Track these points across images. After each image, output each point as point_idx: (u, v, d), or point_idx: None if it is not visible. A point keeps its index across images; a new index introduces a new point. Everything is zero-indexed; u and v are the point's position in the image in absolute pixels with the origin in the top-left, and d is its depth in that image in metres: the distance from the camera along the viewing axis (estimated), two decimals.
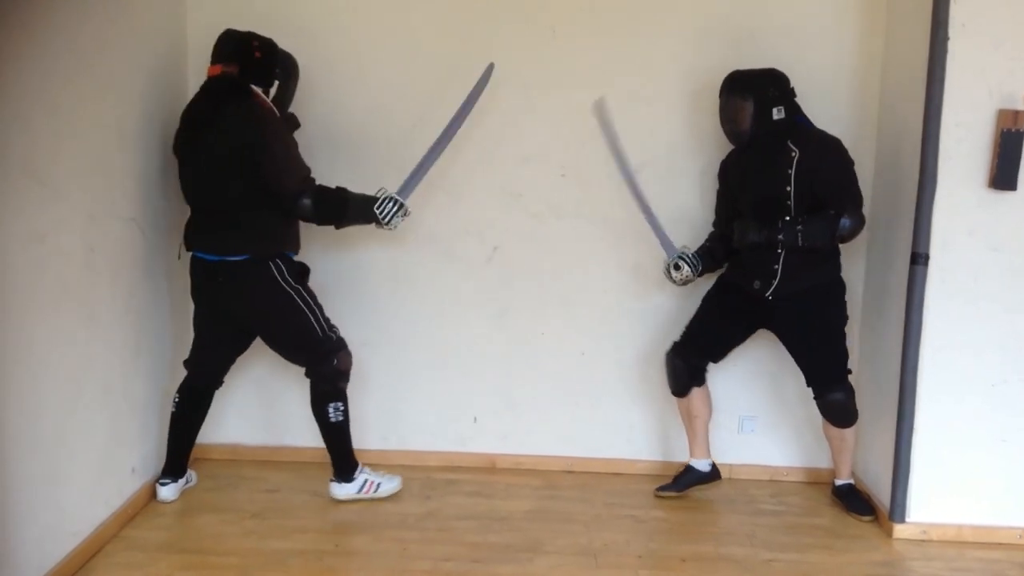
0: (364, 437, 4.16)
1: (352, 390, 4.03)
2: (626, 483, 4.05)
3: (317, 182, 3.50)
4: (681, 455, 4.11)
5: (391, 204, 3.52)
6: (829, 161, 3.52)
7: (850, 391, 3.66)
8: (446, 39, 3.97)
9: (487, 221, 4.04)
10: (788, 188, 3.51)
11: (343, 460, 3.71)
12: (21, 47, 2.69)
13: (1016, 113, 3.32)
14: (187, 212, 3.89)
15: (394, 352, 4.12)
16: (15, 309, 2.69)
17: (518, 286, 4.09)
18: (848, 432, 3.73)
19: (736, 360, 4.06)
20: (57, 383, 2.95)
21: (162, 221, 3.71)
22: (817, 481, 4.09)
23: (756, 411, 4.12)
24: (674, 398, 3.90)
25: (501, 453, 4.16)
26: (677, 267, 3.74)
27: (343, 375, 3.64)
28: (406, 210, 3.57)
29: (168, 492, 3.64)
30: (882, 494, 3.70)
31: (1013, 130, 3.32)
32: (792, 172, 3.50)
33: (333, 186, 3.52)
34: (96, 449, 3.25)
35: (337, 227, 3.59)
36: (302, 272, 3.58)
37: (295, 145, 3.52)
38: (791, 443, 4.14)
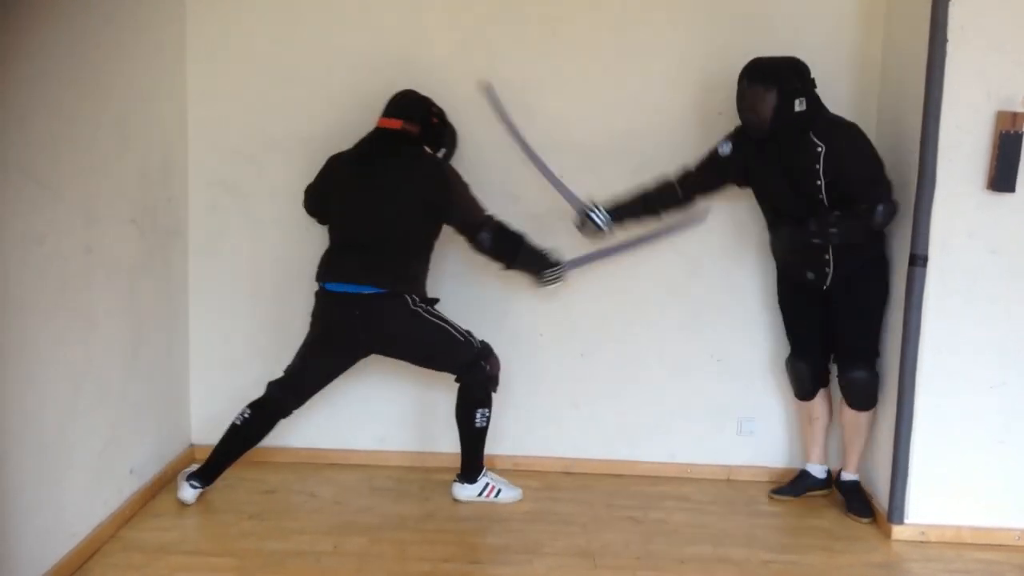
0: (362, 439, 4.17)
1: (350, 392, 4.05)
2: (625, 484, 4.05)
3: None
4: (682, 455, 4.12)
5: (559, 271, 3.73)
6: (856, 152, 3.48)
7: (874, 373, 3.65)
8: (446, 39, 3.97)
9: None
10: (819, 183, 3.49)
11: (474, 462, 3.79)
12: (20, 48, 2.68)
13: (1015, 115, 3.32)
14: (180, 215, 3.91)
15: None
16: (14, 310, 2.68)
17: (516, 287, 4.08)
18: (863, 417, 3.71)
19: (735, 361, 4.06)
20: (56, 384, 2.95)
21: (161, 222, 3.71)
22: None
23: (755, 412, 4.12)
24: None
25: (499, 454, 4.15)
26: (583, 223, 3.78)
27: (493, 380, 3.73)
28: (565, 279, 3.77)
29: (194, 495, 3.62)
30: (881, 495, 3.70)
31: (1012, 132, 3.32)
32: (820, 167, 3.47)
33: (512, 228, 3.70)
34: (94, 450, 3.24)
35: (507, 267, 3.74)
36: (431, 302, 3.69)
37: (470, 186, 3.68)
38: (790, 444, 4.14)
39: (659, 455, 4.16)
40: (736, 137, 3.67)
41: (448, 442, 4.04)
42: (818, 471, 3.93)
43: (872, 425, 3.76)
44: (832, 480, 3.94)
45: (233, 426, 3.61)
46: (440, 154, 3.76)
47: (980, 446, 3.52)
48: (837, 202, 3.50)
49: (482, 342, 3.71)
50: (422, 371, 3.93)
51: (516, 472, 4.12)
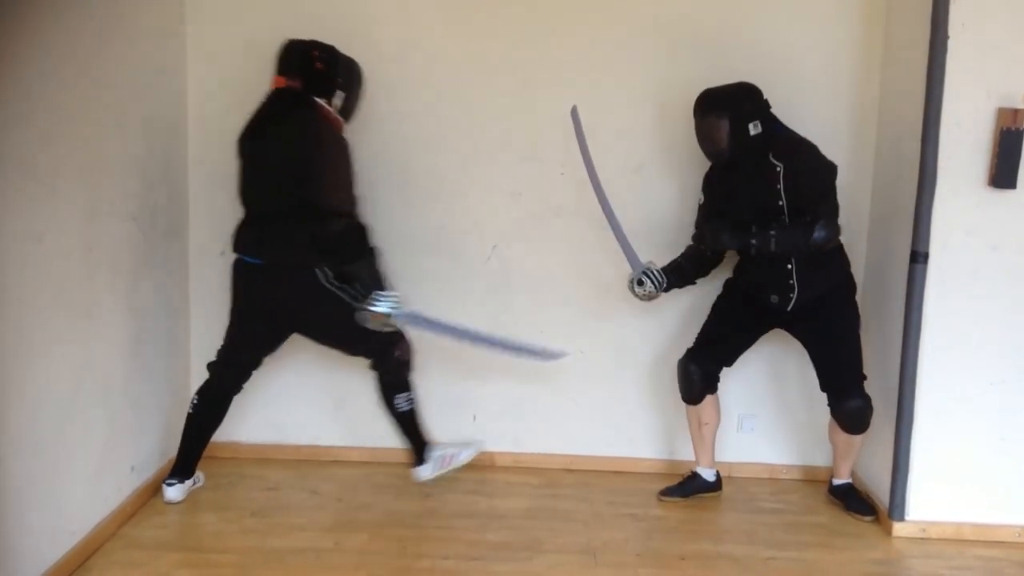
0: (363, 436, 4.17)
1: (350, 388, 4.05)
2: (626, 482, 4.05)
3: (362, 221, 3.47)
4: (682, 453, 4.12)
5: (384, 305, 3.41)
6: (808, 169, 3.49)
7: (867, 397, 3.61)
8: (446, 38, 3.97)
9: (486, 220, 4.04)
10: (781, 203, 3.50)
11: (417, 444, 3.78)
12: (20, 46, 2.68)
13: (1015, 112, 3.32)
14: (180, 213, 3.91)
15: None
16: (13, 308, 2.68)
17: (517, 284, 4.09)
18: (858, 438, 3.70)
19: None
20: (56, 382, 2.95)
21: (161, 220, 3.71)
22: (816, 479, 4.09)
23: (755, 410, 4.12)
24: (683, 404, 3.86)
25: (500, 451, 4.16)
26: (640, 283, 3.72)
27: (406, 365, 3.69)
28: (393, 321, 3.46)
29: (175, 492, 3.63)
30: (881, 492, 3.70)
31: (1013, 129, 3.32)
32: (781, 187, 3.49)
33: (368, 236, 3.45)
34: (95, 447, 3.25)
35: (335, 268, 3.45)
36: (341, 278, 3.49)
37: (348, 167, 3.43)
38: (790, 441, 4.15)
39: (659, 452, 4.17)
40: (709, 172, 3.72)
41: (447, 439, 4.06)
42: (708, 474, 3.90)
43: (863, 439, 3.74)
44: (721, 483, 3.92)
45: (188, 416, 3.64)
46: (338, 99, 3.51)
47: (980, 443, 3.53)
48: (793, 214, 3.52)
49: (394, 328, 3.56)
50: (423, 372, 3.95)
51: (517, 469, 4.12)
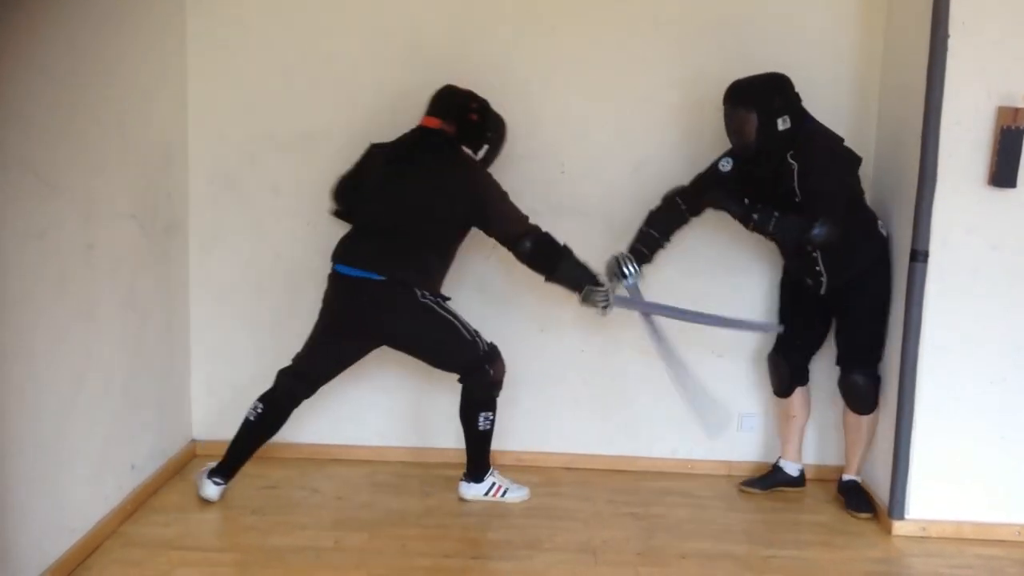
0: (364, 435, 4.17)
1: (352, 388, 4.05)
2: (626, 480, 4.05)
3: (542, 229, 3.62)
4: (683, 452, 4.12)
5: (600, 297, 3.61)
6: (815, 168, 3.47)
7: (872, 376, 3.66)
8: (446, 37, 3.97)
9: None
10: (797, 200, 3.50)
11: (480, 463, 3.76)
12: (21, 44, 2.68)
13: (1016, 110, 3.32)
14: (181, 211, 3.91)
15: (394, 349, 4.11)
16: (14, 306, 2.68)
17: (517, 283, 4.08)
18: (863, 421, 3.71)
19: (735, 357, 4.07)
20: (56, 380, 2.95)
21: (161, 218, 3.71)
22: (817, 478, 4.08)
23: (756, 408, 4.12)
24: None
25: (501, 450, 4.14)
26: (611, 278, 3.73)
27: (497, 384, 3.68)
28: (608, 310, 3.64)
29: (217, 492, 3.62)
30: (881, 491, 3.70)
31: (1013, 127, 3.32)
32: (796, 186, 3.49)
33: (560, 241, 3.63)
34: (95, 446, 3.24)
35: (547, 278, 3.63)
36: (443, 299, 3.61)
37: (507, 197, 3.59)
38: None
39: (660, 451, 4.16)
40: (733, 154, 3.70)
41: (449, 438, 4.07)
42: (791, 468, 3.94)
43: (874, 429, 3.76)
44: (804, 479, 3.95)
45: (247, 421, 3.60)
46: (483, 151, 3.66)
47: (980, 441, 3.53)
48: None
49: (490, 344, 3.66)
50: (424, 367, 3.94)
51: (518, 467, 4.12)
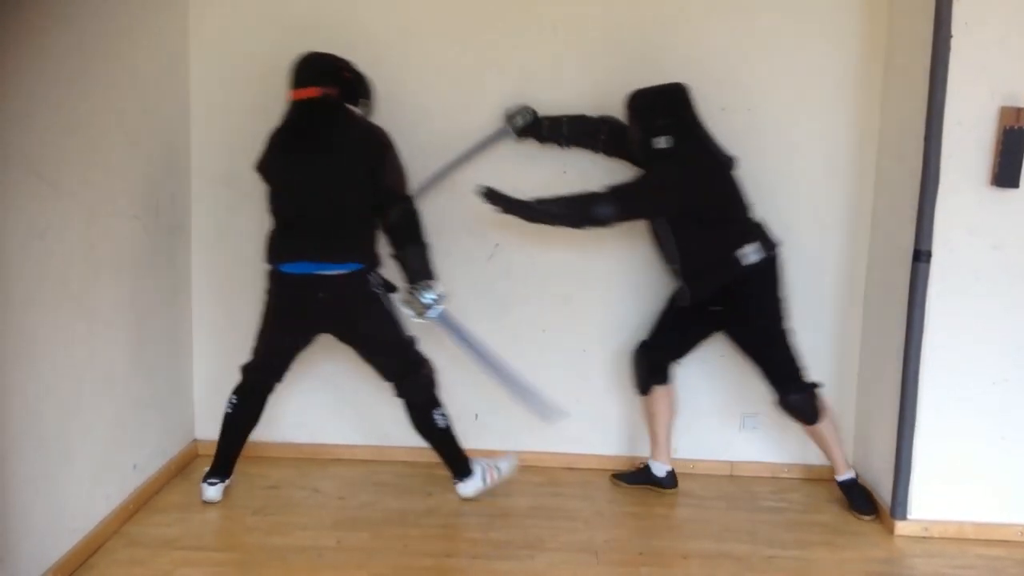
0: (365, 434, 4.17)
1: (353, 387, 4.06)
2: None
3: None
4: (685, 452, 4.12)
5: (427, 300, 3.52)
6: (649, 173, 3.63)
7: (806, 390, 3.65)
8: (447, 36, 3.96)
9: (488, 218, 4.02)
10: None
11: (458, 460, 3.74)
12: (24, 44, 2.68)
13: (1019, 111, 3.31)
14: (183, 211, 3.91)
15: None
16: (16, 306, 2.69)
17: (519, 283, 4.09)
18: (820, 427, 3.71)
19: (738, 357, 4.05)
20: (58, 380, 2.95)
21: (163, 218, 3.71)
22: (819, 478, 4.08)
23: (758, 408, 4.11)
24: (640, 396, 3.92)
25: (502, 449, 4.15)
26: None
27: (433, 383, 3.67)
28: (431, 316, 3.55)
29: (215, 492, 3.64)
30: (883, 491, 3.70)
31: (1015, 128, 3.31)
32: None
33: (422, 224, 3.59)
34: (97, 446, 3.25)
35: (394, 254, 3.54)
36: (388, 286, 3.58)
37: (400, 158, 3.58)
38: (793, 440, 4.13)
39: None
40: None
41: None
42: (658, 469, 3.90)
43: (835, 425, 3.75)
44: (675, 480, 3.92)
45: (226, 416, 3.64)
46: (363, 107, 3.62)
47: (983, 442, 3.52)
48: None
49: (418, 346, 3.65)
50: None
51: (519, 468, 4.11)
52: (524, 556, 3.31)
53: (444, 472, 3.95)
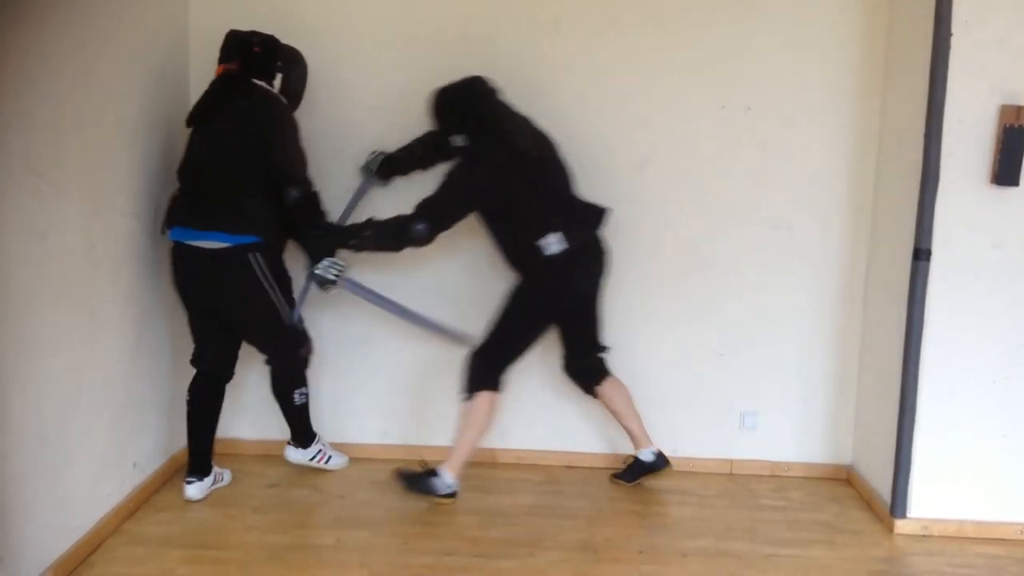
0: (363, 432, 4.17)
1: (352, 384, 4.06)
2: None
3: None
4: (685, 450, 4.12)
5: (334, 272, 3.66)
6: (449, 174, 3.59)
7: (479, 369, 3.64)
8: (449, 35, 3.96)
9: None
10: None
11: (305, 431, 3.94)
12: (24, 44, 2.68)
13: (1019, 109, 3.31)
14: None
15: (395, 347, 4.12)
16: (16, 305, 2.68)
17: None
18: (463, 409, 3.68)
19: (737, 355, 4.06)
20: (58, 378, 2.95)
21: (163, 217, 3.70)
22: (819, 476, 4.10)
23: (757, 406, 4.12)
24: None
25: (502, 448, 4.17)
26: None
27: (306, 363, 3.82)
28: (335, 288, 3.68)
29: (194, 491, 3.64)
30: (883, 489, 3.70)
31: (1016, 126, 3.31)
32: None
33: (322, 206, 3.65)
34: (97, 444, 3.25)
35: (295, 236, 3.65)
36: (278, 269, 3.60)
37: (298, 137, 3.60)
38: (792, 438, 4.14)
39: (662, 449, 4.15)
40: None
41: (449, 436, 4.06)
42: (646, 455, 3.89)
43: (476, 416, 3.65)
44: (665, 460, 3.90)
45: (188, 413, 3.67)
46: (277, 80, 3.64)
47: (983, 440, 3.52)
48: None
49: (302, 327, 3.73)
50: (425, 365, 3.96)
51: (519, 466, 4.13)
52: (524, 554, 3.31)
53: None
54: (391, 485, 3.73)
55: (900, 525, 3.58)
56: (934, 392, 3.50)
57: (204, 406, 3.67)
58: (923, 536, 3.56)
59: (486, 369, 3.63)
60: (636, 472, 3.93)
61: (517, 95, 3.90)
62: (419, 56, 3.97)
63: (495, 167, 3.54)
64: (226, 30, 3.64)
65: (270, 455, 4.07)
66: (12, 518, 2.70)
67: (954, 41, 3.31)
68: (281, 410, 3.85)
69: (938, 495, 3.56)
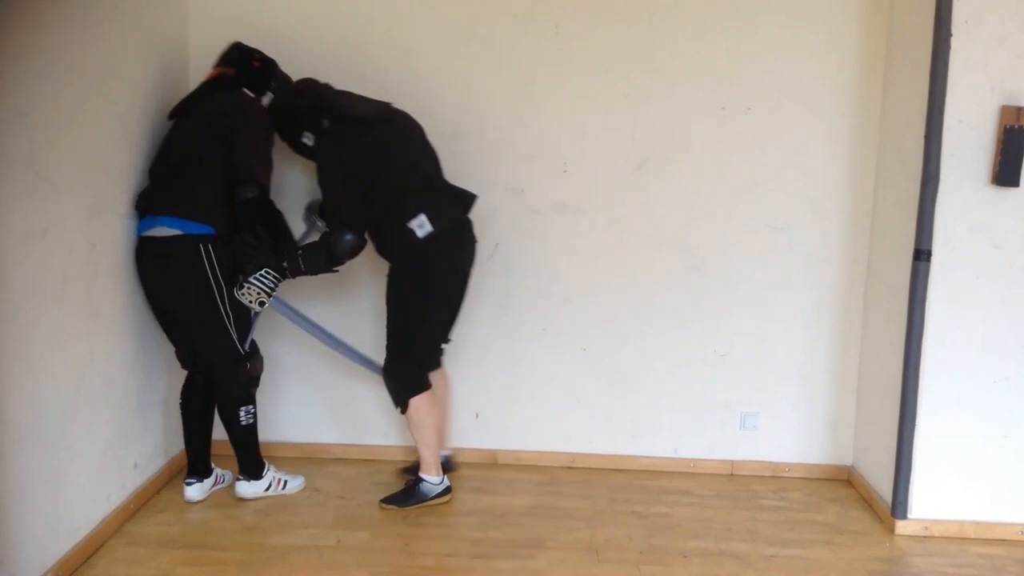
0: (365, 433, 4.17)
1: (352, 386, 4.06)
2: (628, 479, 4.05)
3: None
4: (685, 451, 4.12)
5: (267, 285, 3.47)
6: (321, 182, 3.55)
7: (392, 372, 3.64)
8: (446, 34, 3.96)
9: (488, 217, 4.03)
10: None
11: (252, 460, 3.69)
12: (24, 43, 2.68)
13: (1019, 109, 3.31)
14: None
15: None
16: (16, 304, 2.68)
17: (519, 282, 4.09)
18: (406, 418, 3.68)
19: (738, 356, 4.06)
20: (58, 379, 2.95)
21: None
22: (820, 477, 4.10)
23: (758, 407, 4.12)
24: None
25: (502, 449, 4.17)
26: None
27: (255, 380, 3.63)
28: (260, 301, 3.48)
29: (194, 492, 3.64)
30: (884, 490, 3.70)
31: (1016, 126, 3.32)
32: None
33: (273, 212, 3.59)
34: (98, 445, 3.25)
35: (234, 235, 3.44)
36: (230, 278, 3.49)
37: (268, 143, 3.54)
38: (793, 439, 4.14)
39: (662, 450, 4.16)
40: None
41: (451, 437, 4.07)
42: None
43: (420, 423, 3.65)
44: (452, 464, 3.94)
45: (181, 416, 3.66)
46: (266, 98, 3.64)
47: (983, 441, 3.52)
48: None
49: (251, 342, 3.61)
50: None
51: (519, 467, 4.12)
52: (524, 555, 3.31)
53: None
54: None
55: (901, 526, 3.58)
56: (935, 393, 3.50)
57: (198, 408, 3.65)
58: (924, 537, 3.56)
59: (401, 381, 3.62)
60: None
61: (515, 94, 3.92)
62: (419, 51, 3.96)
63: (342, 138, 3.53)
64: (225, 30, 3.64)
65: (270, 456, 4.06)
66: (13, 519, 2.69)
67: (954, 41, 3.31)
68: (228, 434, 3.63)
69: (939, 496, 3.56)
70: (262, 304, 3.48)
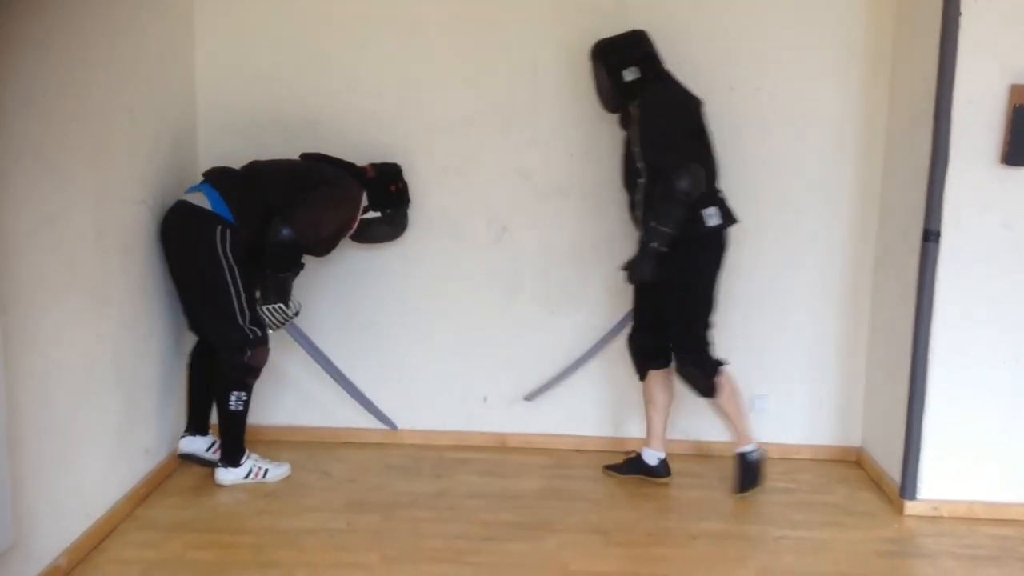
0: (372, 417, 4.18)
1: (363, 370, 4.07)
2: None
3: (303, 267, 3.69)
4: (695, 433, 4.13)
5: (279, 317, 3.68)
6: (644, 120, 3.47)
7: (696, 366, 3.63)
8: (453, 23, 3.95)
9: (496, 201, 4.04)
10: (636, 149, 3.51)
11: (233, 446, 3.70)
12: (31, 32, 2.68)
13: None
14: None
15: (404, 332, 4.12)
16: (25, 292, 2.69)
17: (527, 266, 4.09)
18: (716, 403, 3.67)
19: (747, 338, 4.05)
20: (69, 365, 2.97)
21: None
22: (828, 458, 4.10)
23: (767, 389, 4.11)
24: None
25: (511, 432, 4.18)
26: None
27: (256, 371, 3.64)
28: (276, 326, 3.70)
29: (185, 443, 3.72)
30: (893, 471, 3.70)
31: None
32: (632, 134, 3.53)
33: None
34: (109, 430, 3.27)
35: (263, 271, 3.61)
36: (246, 259, 3.54)
37: (341, 228, 3.66)
38: (802, 420, 4.14)
39: (671, 432, 4.14)
40: None
41: (458, 421, 4.09)
42: (649, 457, 3.85)
43: (732, 404, 3.67)
44: (667, 469, 3.85)
45: (188, 372, 3.77)
46: (372, 214, 3.79)
47: (992, 421, 3.52)
48: (651, 174, 3.46)
49: (262, 333, 3.60)
50: (434, 354, 3.96)
51: (528, 450, 4.14)
52: (534, 537, 3.32)
53: (453, 455, 3.98)
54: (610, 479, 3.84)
55: (910, 506, 3.58)
56: (944, 373, 3.49)
57: (200, 367, 3.72)
58: (933, 517, 3.56)
59: (705, 368, 3.61)
60: (633, 469, 3.88)
61: (523, 78, 3.90)
62: (422, 45, 3.95)
63: (680, 91, 3.56)
64: (232, 15, 3.64)
65: (280, 440, 4.09)
66: (26, 503, 2.71)
67: (963, 21, 3.28)
68: (217, 413, 3.67)
69: (948, 476, 3.55)
70: (273, 328, 3.68)
